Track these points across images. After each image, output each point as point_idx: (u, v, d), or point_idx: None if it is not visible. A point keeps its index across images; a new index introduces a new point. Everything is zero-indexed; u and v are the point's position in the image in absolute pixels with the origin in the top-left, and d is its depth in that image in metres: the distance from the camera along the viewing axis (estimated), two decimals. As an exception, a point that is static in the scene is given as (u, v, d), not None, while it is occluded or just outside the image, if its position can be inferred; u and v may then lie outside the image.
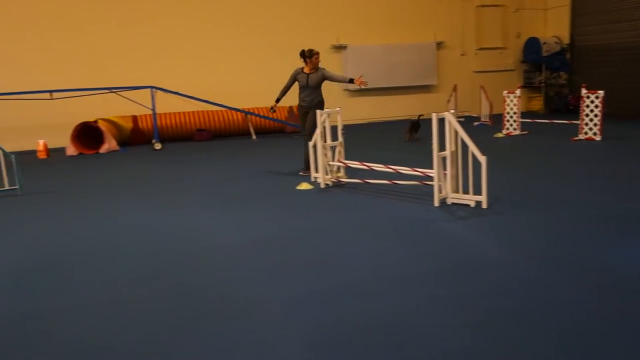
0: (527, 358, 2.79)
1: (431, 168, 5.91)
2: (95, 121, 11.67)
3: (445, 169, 5.82)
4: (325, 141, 7.14)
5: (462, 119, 13.33)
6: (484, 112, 13.40)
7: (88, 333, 3.30)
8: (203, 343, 3.11)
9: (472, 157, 5.60)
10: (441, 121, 5.73)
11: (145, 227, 5.59)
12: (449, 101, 14.18)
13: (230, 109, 12.74)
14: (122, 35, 13.13)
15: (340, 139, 7.24)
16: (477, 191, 5.66)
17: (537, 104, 16.44)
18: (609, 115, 11.85)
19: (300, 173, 7.91)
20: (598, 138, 10.00)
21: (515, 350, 2.87)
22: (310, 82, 7.66)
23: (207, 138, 12.97)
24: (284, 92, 7.88)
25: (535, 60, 16.17)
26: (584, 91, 10.18)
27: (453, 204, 5.83)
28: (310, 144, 7.31)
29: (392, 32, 15.40)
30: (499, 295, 3.54)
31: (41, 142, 11.50)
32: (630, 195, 5.95)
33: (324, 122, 7.13)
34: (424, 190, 6.34)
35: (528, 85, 16.58)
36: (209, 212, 6.10)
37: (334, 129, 7.20)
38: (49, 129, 12.43)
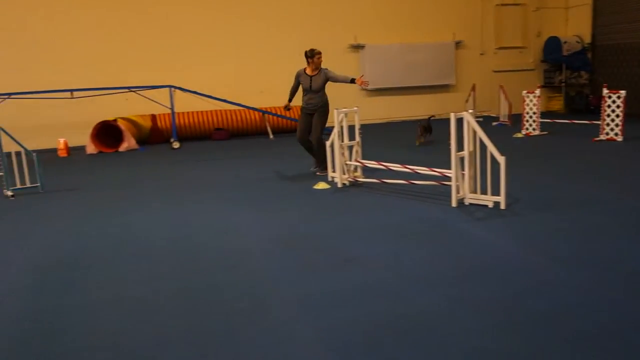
0: (546, 361, 2.76)
1: (449, 168, 5.87)
2: (115, 120, 11.79)
3: (463, 169, 5.77)
4: (342, 141, 7.13)
5: (480, 119, 13.22)
6: (503, 112, 13.28)
7: (110, 330, 3.33)
8: (225, 342, 3.12)
9: (491, 157, 5.55)
10: (459, 121, 5.69)
11: (164, 226, 5.64)
12: (467, 101, 14.07)
13: (248, 108, 12.78)
14: (142, 35, 13.24)
15: (358, 138, 7.22)
16: (496, 192, 5.61)
17: (557, 104, 16.24)
18: (630, 115, 11.67)
19: (318, 173, 7.86)
20: (619, 139, 9.85)
21: (537, 351, 2.83)
22: (314, 85, 7.53)
23: (224, 137, 13.03)
24: (292, 93, 7.83)
25: (556, 60, 15.97)
26: (605, 91, 10.04)
27: (471, 204, 5.78)
28: (328, 143, 7.30)
29: (411, 31, 15.32)
30: (519, 297, 3.50)
31: (62, 140, 11.65)
32: (652, 197, 5.86)
33: (341, 121, 7.12)
34: (442, 190, 6.30)
35: (548, 85, 16.38)
36: (226, 211, 6.13)
37: (351, 128, 7.19)
38: (69, 128, 12.59)
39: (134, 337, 3.22)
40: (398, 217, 5.54)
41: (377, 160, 7.14)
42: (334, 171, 7.27)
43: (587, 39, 15.70)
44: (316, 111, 7.60)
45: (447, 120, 5.94)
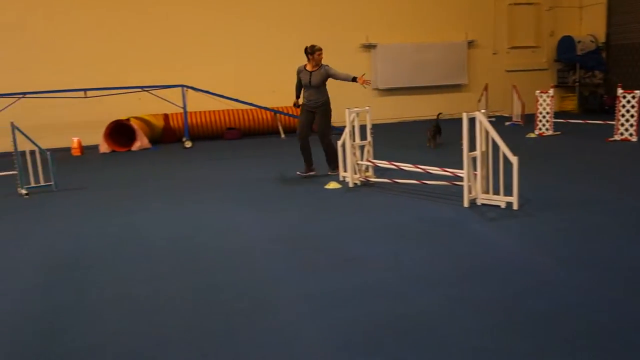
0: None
1: (461, 168, 5.84)
2: (128, 119, 11.87)
3: (475, 169, 5.75)
4: (354, 140, 7.12)
5: (493, 119, 13.16)
6: (516, 112, 13.20)
7: (118, 328, 3.36)
8: (230, 341, 3.13)
9: (503, 158, 5.52)
10: (472, 121, 5.67)
11: (174, 224, 5.66)
12: (479, 101, 14.00)
13: (260, 107, 12.81)
14: (156, 36, 13.32)
15: (370, 138, 7.21)
16: (508, 192, 5.58)
17: (571, 104, 16.11)
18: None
19: (329, 172, 7.82)
20: (634, 139, 9.75)
21: (538, 351, 2.81)
22: (313, 81, 7.40)
23: (236, 137, 13.07)
24: (298, 90, 7.73)
25: (570, 59, 15.85)
26: (619, 91, 9.94)
27: (483, 204, 5.76)
28: (339, 142, 7.29)
29: (423, 31, 15.28)
30: (529, 298, 3.48)
31: (75, 139, 11.75)
32: (667, 198, 5.80)
33: (352, 121, 7.11)
34: (453, 190, 6.28)
35: (561, 85, 16.26)
36: (236, 210, 6.15)
37: (362, 128, 7.18)
38: (83, 127, 12.69)
39: (137, 337, 3.24)
40: (409, 217, 5.53)
41: (389, 160, 7.12)
42: (345, 171, 7.27)
43: (602, 38, 15.57)
44: (317, 109, 7.50)
45: (459, 120, 5.91)
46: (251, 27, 13.96)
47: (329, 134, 7.64)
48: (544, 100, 11.19)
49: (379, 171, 7.38)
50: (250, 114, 13.25)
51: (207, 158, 10.23)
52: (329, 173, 7.82)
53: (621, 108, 9.87)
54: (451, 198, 6.10)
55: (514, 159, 5.40)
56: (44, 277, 4.28)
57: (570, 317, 3.20)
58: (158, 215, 6.06)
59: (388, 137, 11.65)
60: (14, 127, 7.34)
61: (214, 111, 13.17)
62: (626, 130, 9.87)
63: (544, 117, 11.22)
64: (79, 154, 11.71)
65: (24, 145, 7.47)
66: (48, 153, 7.53)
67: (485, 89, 13.88)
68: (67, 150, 11.94)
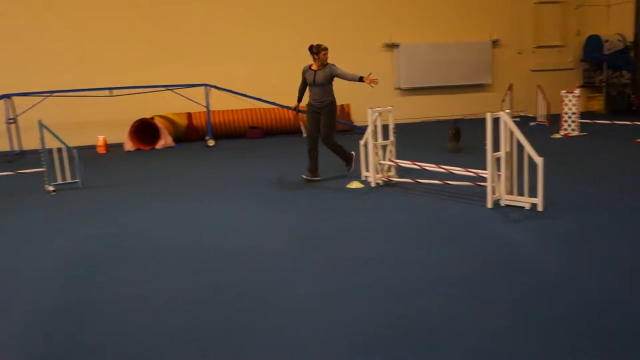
0: (583, 367, 2.71)
1: (484, 169, 5.79)
2: (152, 118, 12.01)
3: (499, 170, 5.69)
4: (376, 140, 7.11)
5: (517, 119, 13.01)
6: (541, 112, 13.03)
7: (134, 325, 3.40)
8: (244, 340, 3.15)
9: (528, 159, 5.46)
10: (496, 121, 5.61)
11: (195, 222, 5.72)
12: (503, 100, 13.85)
13: (282, 107, 12.84)
14: (179, 35, 13.44)
15: (392, 138, 7.19)
16: (533, 193, 5.51)
17: (597, 104, 15.85)
18: (675, 116, 11.30)
19: (347, 168, 7.77)
20: (663, 140, 9.57)
21: (561, 354, 2.78)
22: (318, 80, 7.24)
23: (259, 135, 13.13)
24: (300, 91, 7.60)
25: (596, 59, 15.59)
26: (648, 91, 9.75)
27: (507, 205, 5.70)
28: (361, 142, 7.28)
29: (446, 30, 15.16)
30: (553, 301, 3.43)
31: (101, 137, 11.93)
32: (697, 201, 5.67)
33: (375, 120, 7.10)
34: (477, 191, 6.23)
35: (588, 85, 15.99)
36: (258, 208, 6.18)
37: (385, 127, 7.16)
38: (108, 125, 12.87)
39: (155, 332, 3.28)
40: (431, 217, 5.50)
41: (411, 160, 7.09)
42: (367, 170, 7.26)
43: (630, 37, 15.27)
44: (322, 109, 7.32)
45: (482, 120, 5.86)
46: (274, 26, 14.01)
47: (333, 136, 7.45)
48: (570, 101, 11.02)
49: (401, 171, 7.36)
50: (272, 113, 13.30)
51: (229, 157, 10.30)
52: (347, 168, 7.81)
53: (650, 108, 9.68)
54: (474, 199, 6.05)
55: (539, 160, 5.34)
56: (65, 273, 4.35)
57: (606, 322, 3.15)
58: (180, 214, 6.12)
59: (411, 137, 11.60)
60: (41, 125, 7.48)
61: (236, 110, 13.24)
62: (655, 131, 9.68)
63: (569, 117, 11.06)
64: (104, 151, 11.88)
65: (52, 143, 7.60)
66: (75, 151, 7.66)
67: (510, 88, 13.73)
68: (93, 148, 12.13)
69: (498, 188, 5.74)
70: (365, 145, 7.22)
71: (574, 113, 11.01)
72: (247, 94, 12.39)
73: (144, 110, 12.52)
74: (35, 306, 3.74)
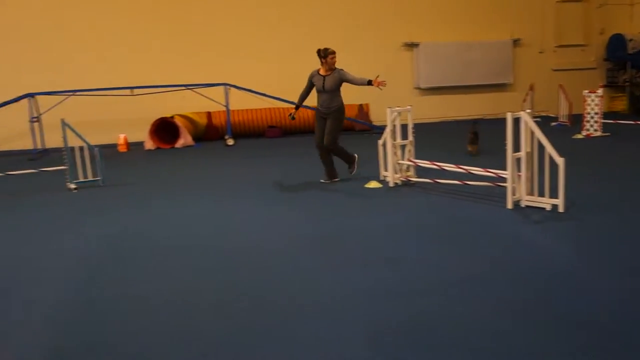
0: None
1: (504, 169, 5.74)
2: (172, 117, 12.11)
3: (519, 171, 5.63)
4: (395, 140, 7.08)
5: (538, 119, 12.86)
6: (562, 112, 12.87)
7: (153, 325, 3.43)
8: (263, 338, 3.16)
9: (549, 159, 5.40)
10: (516, 121, 5.56)
11: (213, 220, 5.75)
12: (524, 100, 13.72)
13: (302, 107, 12.84)
14: (198, 34, 13.54)
15: (411, 137, 7.16)
16: (554, 194, 5.45)
17: (621, 104, 15.61)
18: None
19: (350, 171, 7.60)
20: (688, 141, 9.39)
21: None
22: (327, 86, 7.06)
23: (277, 135, 13.18)
24: (302, 97, 7.44)
25: (620, 58, 15.35)
26: (673, 91, 9.58)
27: (527, 206, 5.64)
28: (380, 142, 7.26)
29: (467, 29, 15.05)
30: (570, 302, 3.39)
31: (122, 136, 12.06)
32: None
33: (394, 120, 7.07)
34: (496, 192, 6.17)
35: (611, 85, 15.76)
36: (275, 207, 6.20)
37: (404, 127, 7.13)
38: (129, 124, 13.02)
39: (175, 331, 3.31)
40: (449, 217, 5.46)
41: (430, 159, 7.05)
42: (386, 170, 7.24)
43: (655, 36, 15.03)
44: (330, 115, 7.18)
45: (503, 120, 5.81)
46: (294, 26, 14.03)
47: (336, 141, 7.27)
48: (592, 100, 10.87)
49: (420, 171, 7.32)
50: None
51: (248, 155, 10.34)
52: (350, 173, 7.63)
53: (675, 109, 9.51)
54: (494, 199, 6.00)
55: (560, 161, 5.27)
56: (83, 270, 4.41)
57: (624, 327, 3.10)
58: (199, 212, 6.16)
59: (430, 137, 11.53)
60: (64, 124, 7.58)
61: (255, 109, 13.30)
62: (680, 131, 9.51)
63: (592, 117, 10.90)
64: (125, 150, 12.02)
65: (74, 142, 7.71)
66: (96, 149, 7.75)
67: (531, 88, 13.58)
68: (114, 146, 12.27)
69: (518, 189, 5.69)
70: (384, 144, 7.20)
71: (596, 113, 10.85)
72: (267, 93, 12.44)
73: (164, 109, 12.65)
74: (52, 303, 3.80)
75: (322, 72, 7.19)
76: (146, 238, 5.22)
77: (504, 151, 5.66)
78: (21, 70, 12.63)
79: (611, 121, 11.94)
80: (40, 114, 11.75)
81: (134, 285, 4.03)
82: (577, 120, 12.20)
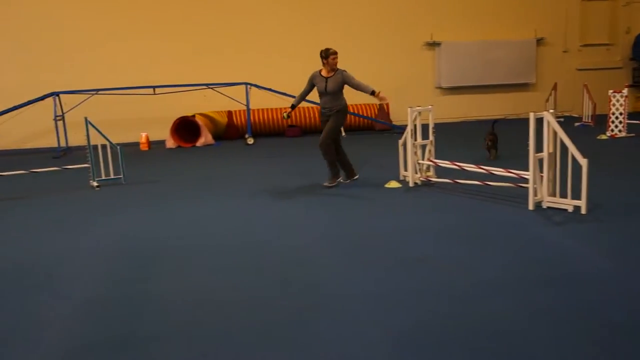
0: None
1: (526, 170, 5.67)
2: (193, 116, 12.20)
3: (541, 171, 5.56)
4: (415, 139, 7.04)
5: (561, 119, 12.68)
6: (586, 112, 12.67)
7: (183, 320, 3.46)
8: (289, 336, 3.17)
9: (572, 160, 5.31)
10: (539, 121, 5.48)
11: (231, 220, 5.78)
12: (547, 100, 13.53)
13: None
14: (220, 34, 13.61)
15: (432, 137, 7.11)
16: (576, 196, 5.37)
17: (647, 104, 15.32)
18: None
19: (325, 184, 7.12)
20: None
21: (614, 366, 2.70)
22: (329, 87, 6.86)
23: (297, 134, 13.19)
24: (300, 98, 7.28)
25: (647, 58, 15.07)
26: (701, 91, 9.36)
27: (549, 208, 5.56)
28: (400, 142, 7.22)
29: (489, 28, 14.89)
30: (595, 306, 3.34)
31: (143, 134, 12.18)
32: None
33: (414, 119, 7.03)
34: (518, 193, 6.10)
35: (637, 84, 15.47)
36: (296, 207, 6.21)
37: (425, 127, 7.09)
38: (151, 123, 13.13)
39: (206, 327, 3.33)
40: (470, 218, 5.41)
41: (451, 160, 7.00)
42: (405, 170, 7.20)
43: (683, 35, 14.71)
44: (332, 115, 6.94)
45: (526, 120, 5.73)
46: (315, 25, 14.02)
47: (330, 141, 6.97)
48: (617, 101, 10.69)
49: (440, 171, 7.27)
50: (311, 112, 13.32)
51: (268, 154, 10.37)
52: (325, 185, 7.13)
53: (703, 109, 9.30)
54: (515, 200, 5.93)
55: (583, 161, 5.19)
56: (102, 267, 4.47)
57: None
58: (218, 211, 6.19)
59: (451, 137, 11.44)
60: (87, 123, 7.69)
61: (276, 109, 13.32)
62: None
63: (616, 118, 10.72)
64: (146, 148, 12.13)
65: (96, 140, 7.81)
66: (118, 147, 7.84)
67: (554, 88, 13.39)
68: (136, 145, 12.40)
69: (540, 190, 5.61)
70: (404, 144, 7.16)
71: (621, 114, 10.67)
72: (287, 92, 12.45)
73: (185, 108, 12.74)
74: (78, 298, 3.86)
75: (324, 73, 7.02)
76: (166, 236, 5.27)
77: (526, 151, 5.59)
78: (45, 70, 12.82)
79: (636, 122, 11.71)
80: (64, 113, 11.92)
81: (151, 283, 4.07)
82: (601, 120, 12.00)
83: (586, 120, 12.62)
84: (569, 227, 4.98)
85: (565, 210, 5.44)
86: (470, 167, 6.65)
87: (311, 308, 3.51)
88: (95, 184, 7.74)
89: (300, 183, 7.51)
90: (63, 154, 11.48)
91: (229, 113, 13.21)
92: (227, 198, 6.79)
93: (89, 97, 11.82)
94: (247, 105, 12.22)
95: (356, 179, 7.37)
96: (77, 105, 11.68)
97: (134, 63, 13.24)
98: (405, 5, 14.40)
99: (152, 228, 5.57)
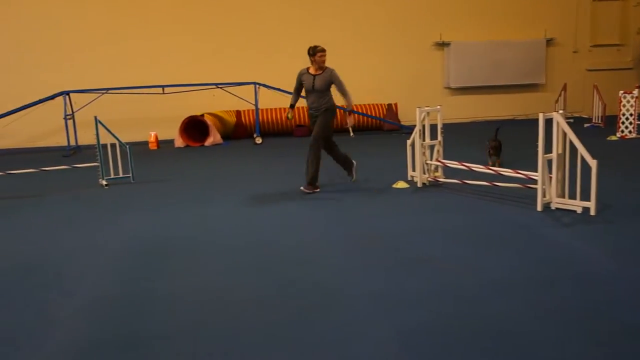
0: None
1: (535, 171, 5.64)
2: (202, 115, 12.24)
3: (550, 172, 5.53)
4: (423, 140, 7.03)
5: (571, 120, 12.61)
6: (596, 113, 12.59)
7: (190, 319, 3.47)
8: (294, 337, 3.17)
9: (582, 161, 5.28)
10: (548, 122, 5.46)
11: (241, 219, 5.79)
12: (557, 101, 13.46)
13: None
14: (228, 33, 13.64)
15: (440, 137, 7.09)
16: (585, 197, 5.33)
17: (658, 105, 15.19)
18: None
19: (302, 189, 6.88)
20: None
21: (621, 368, 2.68)
22: (317, 85, 6.80)
23: (305, 134, 13.19)
24: (295, 95, 7.21)
25: (658, 58, 14.95)
26: None
27: (558, 209, 5.53)
28: (408, 142, 7.21)
29: (499, 28, 14.83)
30: (603, 307, 3.31)
31: (152, 134, 12.23)
32: None
33: (423, 120, 7.02)
34: (526, 193, 6.07)
35: (648, 85, 15.35)
36: (304, 206, 6.21)
37: (433, 127, 7.07)
38: (160, 122, 13.19)
39: (214, 326, 3.34)
40: (478, 219, 5.40)
41: (459, 160, 6.98)
42: (414, 170, 7.19)
43: (695, 35, 14.58)
44: (320, 115, 6.91)
45: (535, 121, 5.71)
46: (324, 25, 14.02)
47: (319, 141, 6.90)
48: (628, 102, 10.61)
49: (448, 171, 7.25)
50: (320, 112, 13.32)
51: (276, 154, 10.38)
52: (302, 189, 6.89)
53: None
54: (523, 201, 5.91)
55: (593, 162, 5.16)
56: (109, 265, 4.49)
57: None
58: (225, 210, 6.21)
59: (459, 137, 11.41)
60: (97, 122, 7.73)
61: (284, 108, 13.33)
62: None
63: (627, 119, 10.64)
64: (155, 147, 12.18)
65: (106, 139, 7.85)
66: (127, 146, 7.88)
67: (564, 89, 13.32)
68: (145, 144, 12.46)
69: (549, 191, 5.58)
70: (413, 144, 7.15)
71: (631, 114, 10.59)
72: (295, 92, 12.47)
73: (194, 107, 12.79)
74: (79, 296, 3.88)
75: (311, 71, 6.98)
76: (173, 235, 5.29)
77: (535, 152, 5.57)
78: (55, 69, 12.91)
79: (647, 123, 11.63)
80: (74, 112, 12.00)
81: (158, 282, 4.09)
82: (611, 121, 11.92)
83: (596, 121, 12.55)
84: (577, 228, 4.96)
85: (574, 211, 5.41)
86: (479, 168, 6.62)
87: (316, 307, 3.51)
88: (104, 182, 7.78)
89: (304, 183, 7.50)
90: (73, 152, 11.55)
91: (238, 113, 13.24)
92: (235, 197, 6.81)
93: (98, 97, 11.89)
94: (256, 105, 12.24)
95: (355, 167, 7.39)
96: (87, 105, 11.76)
97: (143, 63, 13.30)
98: (414, 5, 14.37)
99: (160, 227, 5.59)
